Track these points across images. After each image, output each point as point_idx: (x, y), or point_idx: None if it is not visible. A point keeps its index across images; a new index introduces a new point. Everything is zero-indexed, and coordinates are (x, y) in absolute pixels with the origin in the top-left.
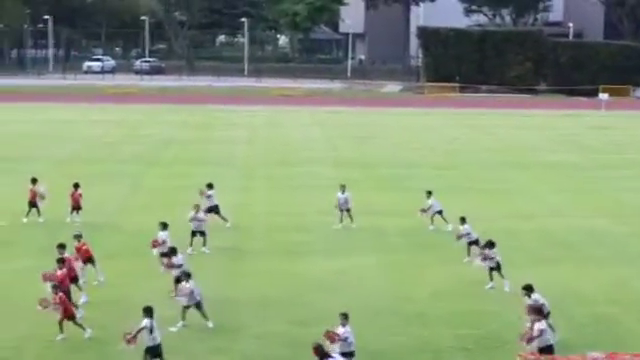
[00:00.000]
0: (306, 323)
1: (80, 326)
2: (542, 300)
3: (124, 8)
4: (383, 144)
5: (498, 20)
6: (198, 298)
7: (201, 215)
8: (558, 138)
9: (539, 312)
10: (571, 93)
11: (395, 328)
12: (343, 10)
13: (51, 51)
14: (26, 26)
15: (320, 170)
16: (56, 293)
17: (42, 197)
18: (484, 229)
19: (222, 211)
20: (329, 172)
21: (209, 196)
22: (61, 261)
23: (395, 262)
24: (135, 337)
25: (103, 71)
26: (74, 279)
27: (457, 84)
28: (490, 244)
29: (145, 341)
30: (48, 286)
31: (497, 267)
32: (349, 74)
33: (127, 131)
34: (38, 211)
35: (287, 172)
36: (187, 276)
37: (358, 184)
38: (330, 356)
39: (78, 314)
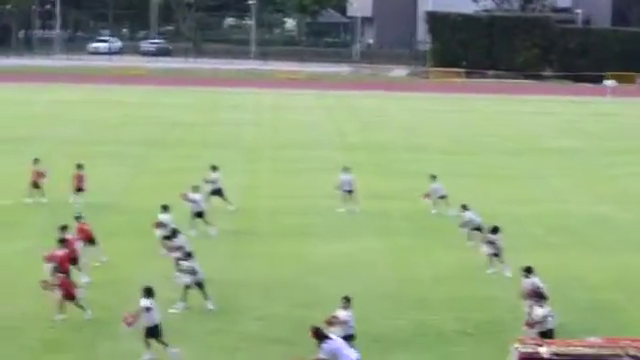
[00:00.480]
0: (308, 306)
1: (80, 307)
2: (540, 284)
3: None
4: (389, 128)
5: (506, 6)
6: (200, 278)
7: (194, 196)
8: (563, 124)
9: (540, 296)
10: (577, 79)
11: (397, 312)
12: None
13: (58, 32)
14: (34, 7)
15: (326, 153)
16: (56, 275)
17: (43, 176)
18: (488, 214)
19: (227, 193)
20: (335, 155)
21: (214, 180)
22: (63, 241)
23: (398, 246)
24: (135, 318)
25: (110, 52)
26: (74, 260)
27: (464, 69)
28: (495, 229)
29: (144, 321)
30: (49, 267)
31: (498, 253)
32: (356, 58)
33: (132, 112)
34: (41, 191)
35: (292, 155)
36: (189, 256)
37: (363, 168)
38: (329, 338)
39: (79, 294)
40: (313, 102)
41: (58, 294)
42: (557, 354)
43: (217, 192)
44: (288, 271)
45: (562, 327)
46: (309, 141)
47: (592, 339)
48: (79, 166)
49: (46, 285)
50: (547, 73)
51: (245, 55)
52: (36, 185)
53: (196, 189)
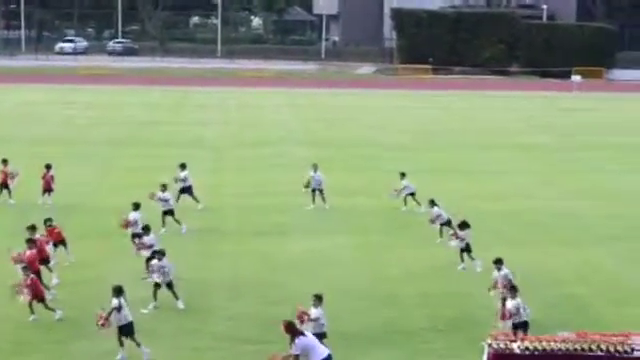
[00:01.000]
0: (278, 304)
1: (50, 309)
2: (511, 275)
3: None
4: (356, 125)
5: (472, 2)
6: (170, 277)
7: (164, 195)
8: (530, 120)
9: (513, 289)
10: (544, 75)
11: (367, 309)
12: None
13: (23, 32)
14: None
15: (293, 151)
16: (27, 275)
17: (13, 177)
18: (455, 210)
19: (195, 192)
20: (302, 153)
21: (183, 179)
22: (31, 242)
23: (368, 243)
24: (107, 319)
25: (75, 52)
26: (45, 260)
27: (430, 66)
28: (464, 224)
29: (116, 320)
30: (18, 268)
31: (467, 248)
32: (323, 55)
33: (99, 112)
34: (9, 192)
35: (260, 153)
36: (160, 254)
37: (331, 165)
38: (302, 334)
39: (49, 296)
40: (280, 100)
41: (27, 296)
42: (529, 349)
43: (187, 190)
44: (257, 269)
45: (532, 322)
46: (276, 139)
47: (563, 334)
48: (47, 167)
49: (20, 289)
50: (513, 69)
51: (211, 54)
52: (5, 186)
53: (165, 188)
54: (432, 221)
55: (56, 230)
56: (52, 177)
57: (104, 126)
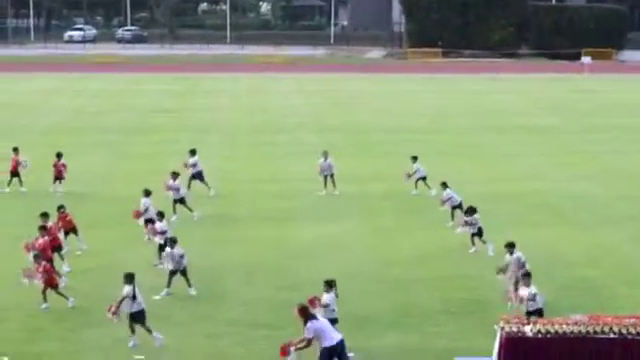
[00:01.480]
0: (291, 289)
1: (63, 295)
2: (524, 259)
3: None
4: (366, 110)
5: None
6: (184, 263)
7: (174, 183)
8: (541, 102)
9: (527, 276)
10: (553, 57)
11: (380, 293)
12: None
13: (32, 21)
14: None
15: (304, 137)
16: (39, 263)
17: (24, 165)
18: (467, 193)
19: (206, 179)
20: (313, 138)
21: (194, 164)
22: (43, 229)
23: (380, 227)
24: (118, 307)
25: (84, 40)
26: (57, 248)
27: (440, 49)
28: (471, 210)
29: (128, 307)
30: (30, 256)
31: (479, 233)
32: (332, 41)
33: (110, 100)
34: (20, 181)
35: (271, 139)
36: (173, 242)
37: (342, 150)
38: (315, 317)
39: (62, 283)
40: (289, 85)
41: (40, 283)
42: (542, 332)
43: (198, 175)
44: (270, 255)
45: (544, 305)
46: (286, 124)
47: (576, 317)
48: (58, 155)
49: (30, 274)
50: (523, 51)
51: (221, 40)
52: (16, 174)
53: (176, 176)
54: (443, 202)
55: (67, 218)
56: (64, 165)
57: (114, 114)
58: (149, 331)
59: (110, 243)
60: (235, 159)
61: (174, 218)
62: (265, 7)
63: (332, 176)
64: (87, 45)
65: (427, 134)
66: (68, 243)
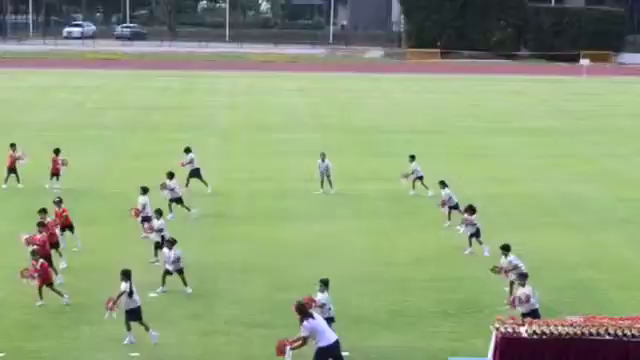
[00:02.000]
0: (287, 288)
1: (58, 293)
2: (516, 261)
3: None
4: (365, 109)
5: None
6: (181, 265)
7: (170, 183)
8: (539, 104)
9: (523, 276)
10: (552, 59)
11: (375, 293)
12: None
13: (31, 17)
14: None
15: (302, 136)
16: (36, 260)
17: (21, 157)
18: (465, 194)
19: (203, 177)
20: (311, 138)
21: (190, 161)
22: (42, 225)
23: (377, 227)
24: (116, 303)
25: (83, 37)
26: (55, 244)
27: (439, 50)
28: (471, 209)
29: (125, 304)
30: (29, 250)
31: (476, 233)
32: (331, 40)
33: (108, 97)
34: (17, 177)
35: (269, 138)
36: (171, 243)
37: (340, 150)
38: (312, 316)
39: (57, 280)
40: (289, 85)
41: (36, 280)
42: (537, 333)
43: (195, 173)
44: (266, 254)
45: (541, 306)
46: (285, 123)
47: (572, 318)
48: (56, 151)
49: (28, 274)
50: (522, 53)
51: (220, 38)
52: (13, 170)
53: (171, 176)
54: (442, 204)
55: (64, 213)
56: (62, 162)
57: (112, 111)
58: (146, 328)
59: (107, 240)
60: (232, 157)
61: (170, 216)
62: (265, 5)
63: (329, 177)
64: (86, 41)
65: (425, 134)
66: (64, 239)
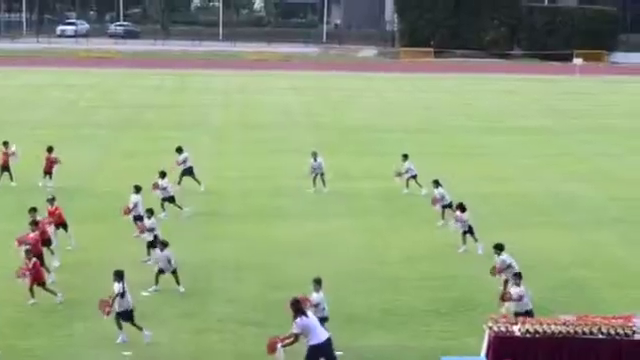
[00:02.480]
0: (280, 287)
1: (51, 291)
2: (509, 260)
3: None
4: (358, 108)
5: None
6: (174, 266)
7: (162, 182)
8: (532, 103)
9: (517, 276)
10: (545, 58)
11: (368, 292)
12: None
13: (24, 15)
14: None
15: (295, 134)
16: (29, 259)
17: (13, 153)
18: (458, 193)
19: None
20: (304, 136)
21: (183, 160)
22: (34, 224)
23: (370, 226)
24: (111, 305)
25: (77, 35)
26: (47, 242)
27: (432, 49)
28: (461, 208)
29: (117, 305)
30: (22, 250)
31: (469, 230)
32: (324, 38)
33: (102, 95)
34: (10, 175)
35: (262, 136)
36: (163, 245)
37: (333, 148)
38: (305, 314)
39: (50, 279)
40: (282, 83)
41: (28, 279)
42: (530, 332)
43: (188, 172)
44: (259, 252)
45: (534, 305)
46: (278, 122)
47: (565, 317)
48: (49, 149)
49: (19, 273)
50: (515, 52)
51: (213, 37)
52: (5, 168)
53: (163, 175)
54: (434, 202)
55: (57, 211)
56: (55, 160)
57: (105, 109)
58: (139, 328)
59: (99, 238)
60: (225, 156)
61: (162, 215)
62: (258, 4)
63: (322, 175)
64: (79, 40)
65: (418, 133)
66: (57, 238)
